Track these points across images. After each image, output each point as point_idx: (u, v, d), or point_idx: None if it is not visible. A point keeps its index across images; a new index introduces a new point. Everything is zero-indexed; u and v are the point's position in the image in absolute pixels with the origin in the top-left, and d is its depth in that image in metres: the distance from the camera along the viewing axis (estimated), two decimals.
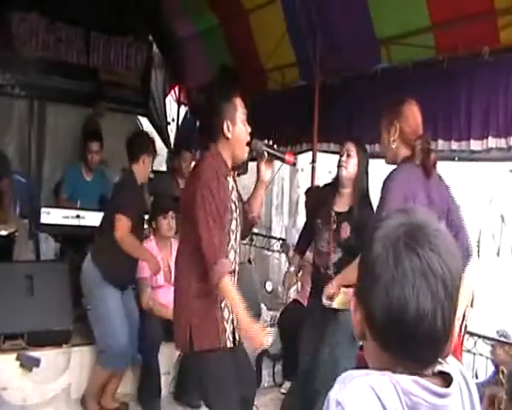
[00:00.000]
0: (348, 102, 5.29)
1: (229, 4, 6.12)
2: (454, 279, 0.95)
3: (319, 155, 5.64)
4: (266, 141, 2.77)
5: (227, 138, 2.64)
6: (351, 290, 3.30)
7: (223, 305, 2.64)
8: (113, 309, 3.72)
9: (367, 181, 3.43)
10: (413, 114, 2.71)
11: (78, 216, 4.72)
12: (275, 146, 2.79)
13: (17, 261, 4.73)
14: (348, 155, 3.39)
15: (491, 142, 4.06)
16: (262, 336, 2.48)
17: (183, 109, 8.21)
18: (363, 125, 5.15)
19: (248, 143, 2.71)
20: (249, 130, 2.70)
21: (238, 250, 2.78)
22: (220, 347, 2.61)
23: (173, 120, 8.23)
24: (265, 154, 2.74)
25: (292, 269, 3.79)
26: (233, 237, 2.68)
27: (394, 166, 2.67)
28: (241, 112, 2.67)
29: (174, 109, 8.29)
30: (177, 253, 2.81)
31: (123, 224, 3.59)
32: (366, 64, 5.01)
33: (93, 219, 4.70)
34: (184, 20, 7.03)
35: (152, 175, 6.21)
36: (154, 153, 4.08)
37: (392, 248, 0.95)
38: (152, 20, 7.58)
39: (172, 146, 8.08)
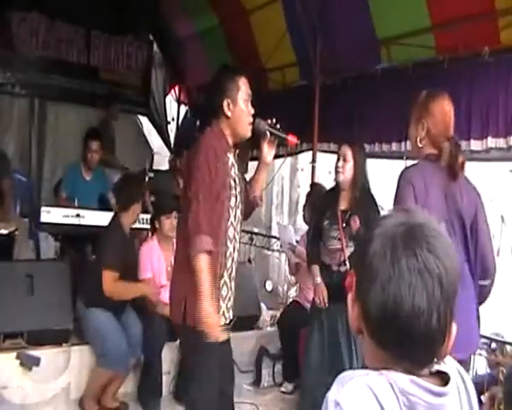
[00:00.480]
0: (348, 101, 5.30)
1: (230, 4, 6.13)
2: (451, 280, 0.96)
3: (319, 155, 5.64)
4: (269, 121, 2.74)
5: (227, 117, 2.63)
6: None
7: (222, 283, 2.63)
8: (104, 321, 3.78)
9: (366, 178, 3.49)
10: (443, 114, 2.57)
11: (78, 215, 4.72)
12: (277, 126, 2.76)
13: (17, 260, 4.74)
14: (344, 160, 3.44)
15: (491, 142, 4.06)
16: (216, 330, 2.48)
17: (183, 109, 8.22)
18: (363, 125, 5.16)
19: (252, 123, 2.68)
20: (252, 111, 2.67)
21: (238, 229, 2.73)
22: None
23: (173, 119, 8.24)
24: (268, 133, 2.72)
25: (319, 280, 3.61)
26: (232, 214, 2.65)
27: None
28: (243, 91, 2.64)
29: (174, 109, 8.30)
30: (177, 226, 2.81)
31: (109, 279, 3.71)
32: (366, 64, 5.01)
33: (93, 218, 4.71)
34: (185, 20, 7.03)
35: (152, 174, 6.27)
36: (143, 197, 4.19)
37: (389, 246, 0.96)
38: (152, 20, 7.59)
39: (172, 145, 8.08)
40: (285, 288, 6.10)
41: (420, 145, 2.57)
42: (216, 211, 2.57)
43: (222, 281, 2.65)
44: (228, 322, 2.71)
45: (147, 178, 5.96)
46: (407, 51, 4.63)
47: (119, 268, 3.75)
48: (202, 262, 2.47)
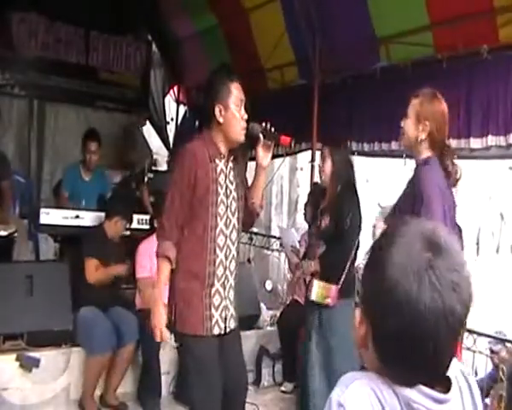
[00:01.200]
0: (347, 100, 5.29)
1: (229, 4, 6.12)
2: (467, 314, 0.95)
3: (318, 154, 5.63)
4: (264, 124, 2.72)
5: (219, 123, 2.62)
6: (333, 287, 3.38)
7: (213, 291, 2.63)
8: (89, 313, 3.94)
9: (348, 174, 3.58)
10: (445, 119, 2.62)
11: (77, 216, 4.72)
12: (272, 129, 2.74)
13: (17, 262, 4.75)
14: (323, 160, 3.63)
15: (491, 140, 4.06)
16: (160, 330, 2.55)
17: (183, 109, 8.21)
18: (362, 124, 5.16)
19: (246, 128, 2.67)
20: (245, 116, 2.65)
21: (233, 237, 2.71)
22: (203, 334, 2.59)
23: (172, 119, 8.23)
24: (261, 137, 2.71)
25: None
26: (222, 222, 2.63)
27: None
28: (235, 96, 2.62)
29: (173, 109, 8.29)
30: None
31: (90, 266, 4.05)
32: (365, 63, 5.01)
33: (92, 219, 4.71)
34: (184, 20, 7.02)
35: (152, 175, 6.27)
36: (130, 220, 4.40)
37: (414, 280, 0.92)
38: (151, 20, 7.58)
39: (171, 146, 8.08)
40: (284, 287, 6.09)
41: (419, 146, 2.59)
42: (199, 217, 2.58)
43: (213, 289, 2.63)
44: (224, 332, 2.69)
45: (146, 179, 5.96)
46: (406, 50, 4.62)
47: (98, 256, 4.05)
48: (161, 266, 2.59)
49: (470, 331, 3.96)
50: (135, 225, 4.77)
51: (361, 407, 0.96)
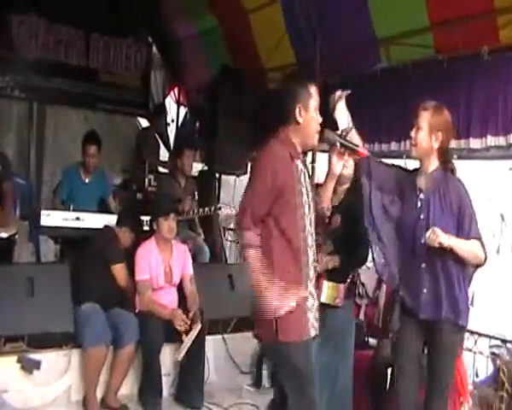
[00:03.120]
0: (348, 101, 5.28)
1: (229, 5, 6.13)
2: None
3: (319, 155, 5.63)
4: (339, 132, 2.80)
5: (298, 123, 2.60)
6: (341, 287, 3.38)
7: (306, 294, 2.60)
8: (88, 308, 3.94)
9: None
10: (451, 126, 2.87)
11: (77, 218, 4.73)
12: (348, 137, 2.80)
13: (17, 263, 4.74)
14: (349, 154, 3.46)
15: (491, 140, 4.07)
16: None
17: (183, 110, 8.21)
18: (362, 125, 5.13)
19: (320, 132, 2.68)
20: (320, 120, 2.66)
21: (314, 236, 2.71)
22: (304, 339, 2.58)
23: (173, 120, 8.23)
24: (338, 144, 2.75)
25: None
26: (307, 222, 2.63)
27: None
28: (314, 100, 2.63)
29: (174, 110, 8.29)
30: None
31: (122, 272, 4.14)
32: (366, 64, 5.01)
33: (92, 221, 4.72)
34: (184, 21, 7.03)
35: (152, 176, 6.28)
36: (136, 235, 4.41)
37: None
38: (151, 21, 7.58)
39: (172, 147, 8.08)
40: None
41: (432, 154, 2.80)
42: (287, 218, 2.55)
43: (307, 292, 2.60)
44: (315, 334, 2.66)
45: (146, 180, 5.97)
46: (406, 51, 4.63)
47: (124, 260, 4.17)
48: (250, 257, 2.55)
49: (471, 332, 3.96)
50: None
51: None
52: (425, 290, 2.81)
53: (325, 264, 3.41)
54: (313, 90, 2.64)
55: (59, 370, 3.85)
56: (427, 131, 2.77)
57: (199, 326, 3.96)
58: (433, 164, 2.83)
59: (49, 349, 3.85)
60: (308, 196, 2.65)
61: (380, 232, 2.90)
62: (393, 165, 3.10)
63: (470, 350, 3.99)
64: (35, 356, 3.73)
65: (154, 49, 8.01)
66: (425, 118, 2.78)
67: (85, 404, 3.82)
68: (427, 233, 2.65)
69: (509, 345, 3.97)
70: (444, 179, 2.81)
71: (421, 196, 2.83)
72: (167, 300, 4.16)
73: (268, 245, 2.55)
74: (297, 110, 2.57)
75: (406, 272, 2.89)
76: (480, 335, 4.04)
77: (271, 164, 2.54)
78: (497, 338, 4.06)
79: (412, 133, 2.81)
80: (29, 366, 3.69)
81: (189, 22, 6.99)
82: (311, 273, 2.65)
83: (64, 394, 3.85)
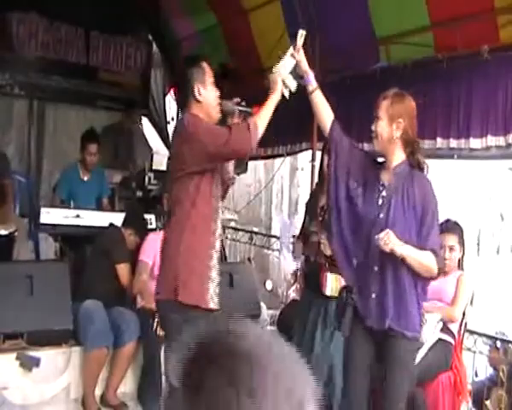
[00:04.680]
0: (347, 100, 5.29)
1: (229, 4, 6.12)
2: None
3: (319, 154, 5.63)
4: (235, 99, 2.89)
5: (199, 101, 2.76)
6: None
7: (211, 264, 2.72)
8: (91, 306, 3.96)
9: None
10: (414, 113, 2.71)
11: (77, 216, 4.73)
12: (243, 103, 2.90)
13: (17, 261, 4.74)
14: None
15: (491, 140, 4.06)
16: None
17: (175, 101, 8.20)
18: (362, 124, 5.15)
19: (219, 104, 2.83)
20: (218, 93, 2.82)
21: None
22: (203, 307, 2.67)
23: (173, 119, 8.22)
24: (237, 112, 2.86)
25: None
26: (219, 193, 2.82)
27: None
28: (209, 75, 2.80)
29: (174, 109, 8.28)
30: (170, 213, 2.88)
31: (126, 271, 4.17)
32: (365, 63, 5.00)
33: (92, 219, 4.72)
34: (184, 20, 7.02)
35: (151, 174, 6.28)
36: (140, 238, 4.42)
37: None
38: (151, 20, 7.57)
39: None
40: (284, 287, 6.10)
41: (393, 144, 2.67)
42: (208, 185, 2.73)
43: (212, 262, 2.73)
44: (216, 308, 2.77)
45: (146, 178, 5.97)
46: (406, 50, 4.62)
47: (129, 260, 4.24)
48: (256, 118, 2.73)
49: (471, 332, 3.96)
50: None
51: None
52: (373, 296, 2.65)
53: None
54: (205, 66, 2.81)
55: (58, 367, 3.85)
56: (386, 120, 2.64)
57: None
58: (399, 156, 2.68)
59: (49, 347, 3.86)
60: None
61: (342, 224, 2.76)
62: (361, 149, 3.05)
63: (469, 350, 3.99)
64: (34, 354, 3.74)
65: (154, 47, 8.00)
66: (384, 107, 2.66)
67: (84, 402, 3.83)
68: (381, 234, 2.50)
69: (508, 344, 3.97)
70: (409, 176, 2.66)
71: (384, 192, 2.68)
72: None
73: (191, 211, 2.70)
74: (196, 89, 2.73)
75: (359, 274, 2.74)
76: (480, 334, 4.04)
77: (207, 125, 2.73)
78: (496, 338, 4.06)
79: (373, 125, 2.71)
80: (28, 364, 3.70)
81: (189, 21, 6.98)
82: (218, 245, 2.78)
83: (63, 391, 3.85)
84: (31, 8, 6.71)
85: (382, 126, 2.66)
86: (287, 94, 2.89)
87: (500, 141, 4.02)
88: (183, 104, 2.89)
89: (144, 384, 4.01)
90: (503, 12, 3.93)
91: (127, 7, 7.12)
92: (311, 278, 3.57)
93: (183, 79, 2.85)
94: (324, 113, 2.93)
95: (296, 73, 2.91)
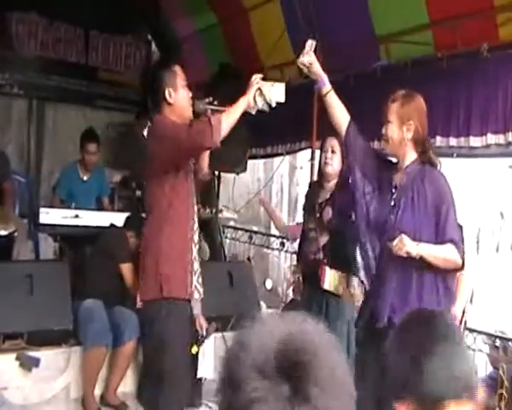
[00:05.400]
0: (347, 99, 5.27)
1: (229, 3, 6.12)
2: None
3: (318, 153, 5.62)
4: (207, 99, 2.95)
5: (170, 104, 2.85)
6: (343, 276, 3.36)
7: (192, 257, 2.86)
8: (91, 305, 3.99)
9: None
10: (425, 112, 2.71)
11: (77, 216, 4.73)
12: (215, 102, 2.94)
13: (17, 261, 4.74)
14: (333, 152, 3.55)
15: (491, 138, 4.05)
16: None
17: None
18: (362, 123, 5.13)
19: (192, 105, 2.92)
20: (190, 94, 2.91)
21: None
22: (186, 298, 2.83)
23: None
24: (209, 111, 2.90)
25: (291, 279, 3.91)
26: (193, 190, 2.93)
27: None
28: (180, 78, 2.89)
29: None
30: (147, 213, 2.98)
31: (129, 271, 4.16)
32: (365, 62, 5.00)
33: (92, 218, 4.72)
34: (183, 19, 7.02)
35: None
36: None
37: None
38: (151, 19, 7.57)
39: None
40: (284, 286, 6.10)
41: (405, 145, 2.67)
42: (183, 182, 2.85)
43: (192, 256, 2.86)
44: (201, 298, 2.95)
45: None
46: (406, 49, 4.61)
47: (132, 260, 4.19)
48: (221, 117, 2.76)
49: (470, 330, 3.96)
50: None
51: None
52: (385, 298, 2.61)
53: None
54: (177, 68, 2.91)
55: (58, 367, 3.85)
56: (397, 123, 2.65)
57: (212, 337, 3.99)
58: (410, 156, 2.68)
59: (49, 347, 3.86)
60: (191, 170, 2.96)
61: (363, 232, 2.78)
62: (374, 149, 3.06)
63: (469, 348, 3.99)
64: (34, 354, 3.74)
65: (154, 47, 8.00)
66: (393, 110, 2.67)
67: (84, 402, 3.83)
68: (394, 242, 2.47)
69: (508, 343, 3.97)
70: (420, 175, 2.64)
71: (395, 194, 2.68)
72: None
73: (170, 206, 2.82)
74: (167, 93, 2.82)
75: (373, 277, 2.74)
76: (480, 333, 4.04)
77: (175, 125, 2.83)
78: (496, 336, 4.06)
79: (383, 129, 2.71)
80: (28, 364, 3.70)
81: (189, 20, 6.97)
82: (196, 238, 2.92)
83: (63, 391, 3.85)
84: (30, 7, 6.70)
85: (393, 130, 2.66)
86: (253, 111, 2.91)
87: (500, 139, 4.01)
88: (153, 107, 2.94)
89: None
90: (502, 10, 3.92)
91: (127, 6, 7.12)
92: (310, 275, 3.54)
93: (153, 82, 2.93)
94: (340, 114, 2.95)
95: (269, 103, 2.93)
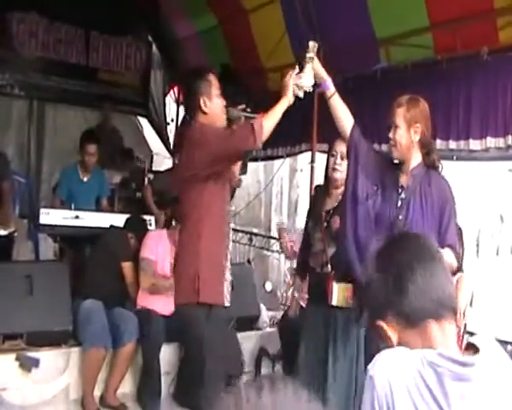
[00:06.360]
0: (347, 102, 5.28)
1: (229, 4, 6.13)
2: None
3: (318, 156, 5.63)
4: (240, 107, 2.99)
5: (205, 113, 2.86)
6: (350, 286, 3.25)
7: (227, 264, 2.89)
8: (90, 305, 3.99)
9: None
10: (428, 115, 2.75)
11: (77, 217, 4.73)
12: (248, 109, 3.00)
13: (16, 261, 4.74)
14: (342, 158, 3.32)
15: (490, 141, 4.06)
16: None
17: (183, 110, 8.20)
18: (362, 126, 5.13)
19: (226, 112, 2.95)
20: (224, 102, 2.93)
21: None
22: (220, 304, 2.85)
23: (172, 120, 8.22)
24: (243, 118, 2.95)
25: (295, 294, 3.77)
26: (229, 198, 2.99)
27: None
28: (214, 86, 2.89)
29: (173, 109, 8.28)
30: (184, 218, 2.98)
31: (130, 269, 4.21)
32: (366, 64, 5.01)
33: (92, 219, 4.72)
34: (184, 20, 7.03)
35: (152, 176, 6.29)
36: (139, 244, 4.41)
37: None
38: (151, 20, 7.58)
39: (172, 146, 8.07)
40: (284, 289, 6.10)
41: (412, 148, 2.69)
42: (221, 189, 2.88)
43: (227, 263, 2.90)
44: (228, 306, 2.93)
45: (146, 179, 5.98)
46: (406, 51, 4.62)
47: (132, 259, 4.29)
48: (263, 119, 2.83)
49: (470, 333, 3.96)
50: None
51: (385, 371, 1.13)
52: None
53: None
54: (212, 77, 2.91)
55: (57, 368, 3.85)
56: (405, 127, 2.68)
57: None
58: (416, 158, 2.72)
59: (48, 347, 3.85)
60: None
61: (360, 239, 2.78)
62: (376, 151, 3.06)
63: None
64: (33, 354, 3.73)
65: (154, 48, 8.01)
66: (400, 114, 2.69)
67: (83, 403, 3.83)
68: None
69: (508, 346, 3.97)
70: (426, 178, 2.70)
71: (403, 194, 2.72)
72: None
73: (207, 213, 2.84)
74: (202, 102, 2.84)
75: None
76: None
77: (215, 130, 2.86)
78: (496, 340, 4.06)
79: (390, 134, 2.72)
80: (27, 364, 3.69)
81: (189, 21, 6.98)
82: (230, 246, 3.00)
83: (62, 392, 3.85)
84: (31, 8, 6.72)
85: (401, 134, 2.69)
86: (301, 94, 2.99)
87: (499, 142, 4.02)
88: (189, 114, 2.99)
89: (143, 385, 4.01)
90: (502, 13, 3.93)
91: (127, 7, 7.13)
92: (316, 289, 3.34)
93: (189, 91, 2.96)
94: (344, 117, 2.98)
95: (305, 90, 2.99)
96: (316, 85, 2.99)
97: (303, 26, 5.48)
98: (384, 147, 4.95)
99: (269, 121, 2.80)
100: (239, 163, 3.14)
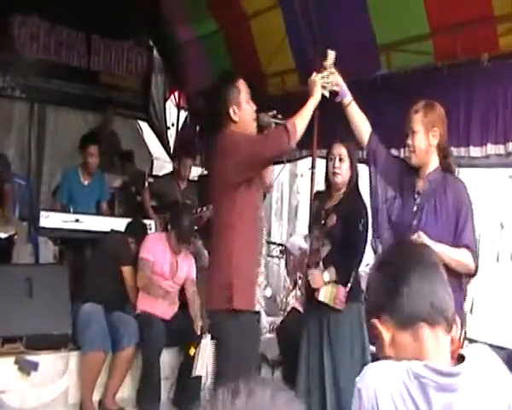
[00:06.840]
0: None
1: (230, 10, 6.14)
2: None
3: (319, 161, 5.63)
4: (271, 113, 2.89)
5: (235, 122, 2.78)
6: (342, 288, 3.26)
7: (260, 270, 2.86)
8: (90, 309, 3.99)
9: (357, 176, 3.44)
10: (445, 119, 2.78)
11: (77, 220, 4.73)
12: (279, 115, 2.91)
13: (16, 264, 4.74)
14: (340, 160, 3.37)
15: (490, 148, 4.06)
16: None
17: (183, 114, 8.22)
18: None
19: (257, 118, 2.86)
20: (254, 107, 2.85)
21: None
22: (253, 310, 2.80)
23: (173, 124, 8.23)
24: (273, 125, 2.87)
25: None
26: (261, 204, 2.93)
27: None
28: (244, 92, 2.82)
29: (174, 114, 8.29)
30: (217, 224, 2.93)
31: (129, 273, 4.23)
32: (366, 70, 5.01)
33: (92, 223, 4.72)
34: (185, 25, 7.04)
35: (152, 179, 6.29)
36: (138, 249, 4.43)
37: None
38: (152, 25, 7.59)
39: (172, 151, 8.08)
40: (283, 294, 6.09)
41: (431, 153, 2.73)
42: (253, 195, 2.82)
43: (260, 269, 2.87)
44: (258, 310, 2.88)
45: (146, 184, 5.97)
46: (406, 58, 4.63)
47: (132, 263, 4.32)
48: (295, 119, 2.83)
49: (470, 340, 3.96)
50: None
51: (372, 386, 1.14)
52: None
53: (317, 278, 3.28)
54: (240, 84, 2.84)
55: (56, 372, 3.85)
56: (423, 131, 2.70)
57: (208, 337, 3.95)
58: (434, 163, 2.75)
59: (47, 351, 3.85)
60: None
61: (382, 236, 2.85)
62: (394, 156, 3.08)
63: None
64: (33, 358, 3.73)
65: (155, 52, 8.02)
66: (418, 120, 2.71)
67: (82, 407, 3.83)
68: (412, 237, 2.53)
69: (507, 353, 3.97)
70: (442, 182, 2.72)
71: (418, 200, 2.74)
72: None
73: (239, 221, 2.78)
74: (231, 111, 2.77)
75: None
76: (479, 342, 4.04)
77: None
78: (496, 346, 4.06)
79: (409, 140, 2.74)
80: (27, 368, 3.69)
81: (190, 26, 6.99)
82: (263, 251, 2.93)
83: (61, 396, 3.85)
84: (32, 11, 6.73)
85: (420, 139, 2.71)
86: (327, 93, 2.99)
87: (500, 149, 4.02)
88: (217, 123, 2.84)
89: (143, 390, 4.00)
90: (502, 20, 3.94)
91: (128, 11, 7.15)
92: (310, 287, 3.36)
93: (216, 99, 2.85)
94: (361, 124, 3.01)
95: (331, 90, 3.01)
96: (333, 94, 2.99)
97: (303, 32, 5.49)
98: None
99: (301, 121, 2.80)
100: (271, 168, 3.09)
